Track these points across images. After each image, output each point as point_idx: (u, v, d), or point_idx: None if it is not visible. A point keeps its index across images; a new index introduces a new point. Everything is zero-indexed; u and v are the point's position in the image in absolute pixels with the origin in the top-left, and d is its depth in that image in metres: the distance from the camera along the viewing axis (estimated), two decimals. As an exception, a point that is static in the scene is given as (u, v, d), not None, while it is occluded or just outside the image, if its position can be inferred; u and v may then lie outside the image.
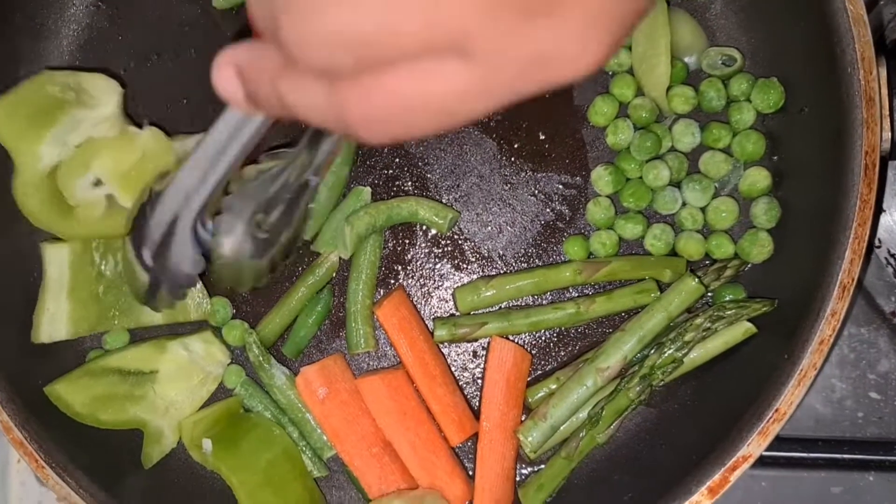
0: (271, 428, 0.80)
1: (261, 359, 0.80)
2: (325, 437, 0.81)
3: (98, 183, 0.80)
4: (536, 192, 0.82)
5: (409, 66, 0.37)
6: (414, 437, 0.79)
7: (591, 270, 0.79)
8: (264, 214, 0.66)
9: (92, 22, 0.84)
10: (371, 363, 0.83)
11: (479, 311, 0.81)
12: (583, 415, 0.78)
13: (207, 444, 0.78)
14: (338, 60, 0.38)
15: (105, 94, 0.79)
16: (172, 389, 0.80)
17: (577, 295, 0.81)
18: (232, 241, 0.66)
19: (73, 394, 0.78)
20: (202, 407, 0.81)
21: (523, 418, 0.80)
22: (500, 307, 0.82)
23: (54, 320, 0.79)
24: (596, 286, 0.81)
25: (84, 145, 0.79)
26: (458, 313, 0.82)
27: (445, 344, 0.82)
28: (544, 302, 0.81)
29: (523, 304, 0.82)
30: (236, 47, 0.45)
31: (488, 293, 0.80)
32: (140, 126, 0.80)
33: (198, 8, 0.84)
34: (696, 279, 0.77)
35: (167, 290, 0.70)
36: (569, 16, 0.36)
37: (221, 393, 0.82)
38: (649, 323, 0.77)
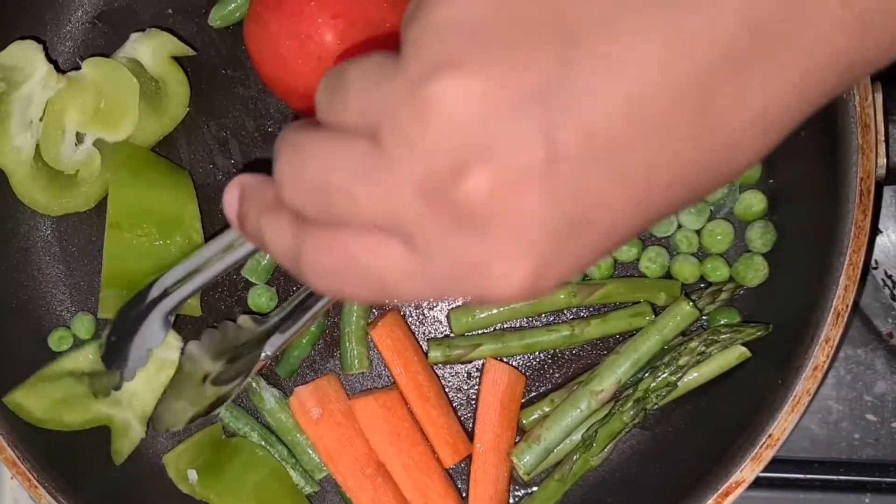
0: (255, 450, 0.80)
1: (251, 381, 0.80)
2: (316, 458, 0.80)
3: (79, 139, 0.80)
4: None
5: (363, 232, 0.40)
6: (407, 458, 0.79)
7: (586, 293, 0.79)
8: (223, 364, 0.73)
9: (88, 39, 0.83)
10: (365, 384, 0.82)
11: (474, 333, 0.81)
12: (576, 437, 0.78)
13: (192, 474, 0.78)
14: (307, 207, 0.41)
15: (29, 58, 0.79)
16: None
17: (571, 317, 0.81)
18: (196, 357, 0.73)
19: (31, 401, 0.77)
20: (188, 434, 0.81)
21: (517, 440, 0.80)
22: (495, 329, 0.81)
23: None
24: (591, 308, 0.81)
25: (45, 113, 0.78)
26: (452, 335, 0.82)
27: (440, 365, 0.82)
28: (539, 324, 0.81)
29: (518, 325, 0.82)
30: (249, 175, 0.49)
31: (482, 315, 0.80)
32: (78, 67, 0.80)
33: (195, 26, 0.83)
34: (691, 303, 0.77)
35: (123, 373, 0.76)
36: (496, 236, 0.37)
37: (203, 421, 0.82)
38: (644, 346, 0.77)
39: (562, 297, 0.79)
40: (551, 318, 0.81)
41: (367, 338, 0.81)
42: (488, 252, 0.38)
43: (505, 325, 0.81)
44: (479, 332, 0.81)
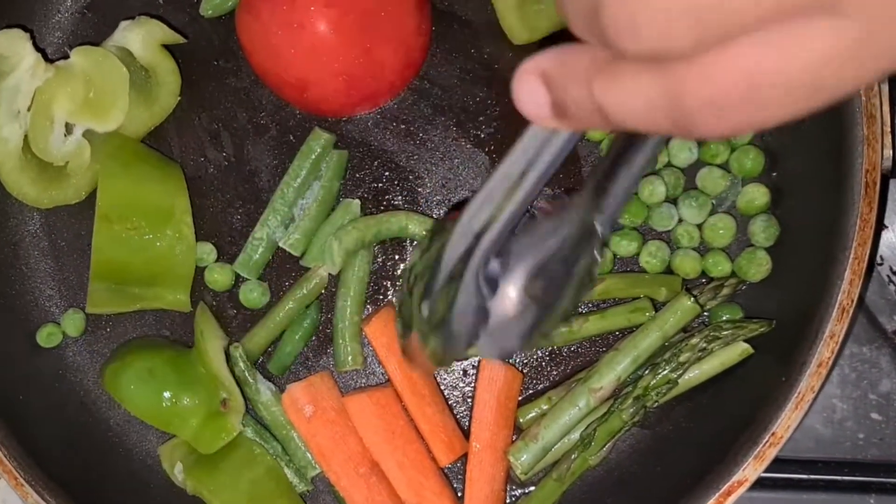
0: (252, 447, 0.78)
1: (246, 373, 0.78)
2: (309, 456, 0.79)
3: (69, 129, 0.79)
4: (529, 207, 0.80)
5: (765, 34, 0.31)
6: (402, 456, 0.77)
7: (585, 288, 0.77)
8: (539, 277, 0.56)
9: (77, 30, 0.82)
10: (359, 381, 0.81)
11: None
12: (575, 436, 0.77)
13: (179, 468, 0.77)
14: (675, 37, 0.32)
15: (16, 47, 0.77)
16: None
17: (570, 313, 0.80)
18: (512, 297, 0.55)
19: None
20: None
21: (514, 438, 0.79)
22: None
23: None
24: (589, 304, 0.80)
25: (33, 103, 0.77)
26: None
27: (435, 362, 0.80)
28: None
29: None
30: (541, 55, 0.39)
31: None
32: (67, 56, 0.78)
33: (186, 16, 0.82)
34: (692, 298, 0.75)
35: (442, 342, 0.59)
36: None
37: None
38: (644, 343, 0.75)
39: (559, 292, 0.77)
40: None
41: (361, 334, 0.80)
42: None
43: (502, 321, 0.80)
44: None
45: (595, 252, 0.56)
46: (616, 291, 0.78)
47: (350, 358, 0.79)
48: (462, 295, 0.55)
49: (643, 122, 0.35)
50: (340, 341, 0.79)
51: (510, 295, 0.56)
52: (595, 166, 0.54)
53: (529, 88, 0.39)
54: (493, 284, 0.56)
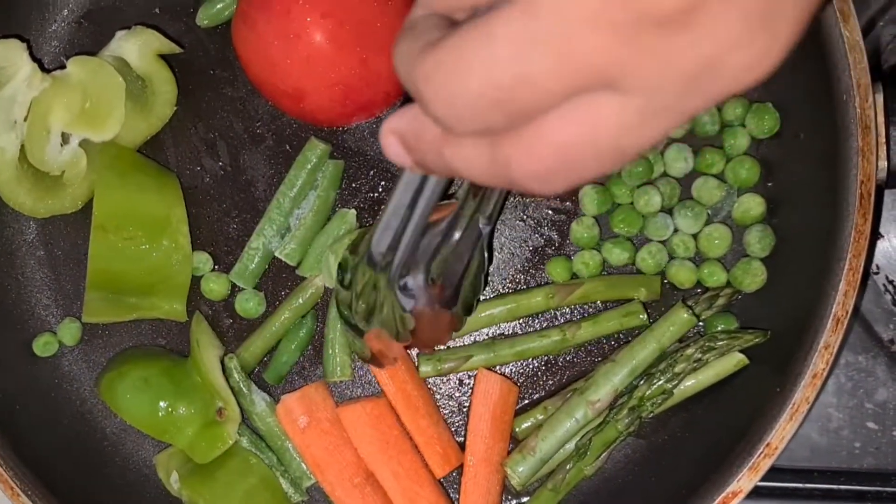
0: (248, 457, 0.78)
1: (241, 384, 0.78)
2: (304, 466, 0.79)
3: (65, 139, 0.79)
4: (525, 217, 0.80)
5: (563, 111, 0.36)
6: (397, 466, 0.77)
7: (564, 293, 0.77)
8: (439, 268, 0.66)
9: (73, 39, 0.82)
10: (354, 391, 0.81)
11: (462, 344, 0.80)
12: (570, 446, 0.77)
13: (174, 477, 0.77)
14: (489, 120, 0.37)
15: (12, 57, 0.77)
16: None
17: (563, 321, 0.80)
18: (416, 296, 0.66)
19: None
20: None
21: (511, 448, 0.79)
22: (486, 336, 0.80)
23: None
24: (574, 309, 0.80)
25: (30, 113, 0.77)
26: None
27: (431, 373, 0.80)
28: (531, 330, 0.80)
29: (510, 332, 0.80)
30: (397, 116, 0.44)
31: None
32: (63, 66, 0.78)
33: (182, 26, 0.82)
34: (689, 311, 0.75)
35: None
36: (711, 20, 0.33)
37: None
38: (641, 354, 0.75)
39: (539, 299, 0.78)
40: (545, 324, 0.80)
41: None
42: (718, 40, 0.34)
43: (497, 334, 0.80)
44: (469, 341, 0.80)
45: (484, 249, 0.68)
46: (595, 295, 0.78)
47: (339, 369, 0.79)
48: (386, 304, 0.67)
49: (487, 181, 0.40)
50: (330, 352, 0.79)
51: (416, 289, 0.66)
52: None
53: (392, 144, 0.45)
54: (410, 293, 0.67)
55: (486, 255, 0.69)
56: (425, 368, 0.78)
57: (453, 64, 0.36)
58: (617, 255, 0.78)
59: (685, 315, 0.75)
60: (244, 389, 0.78)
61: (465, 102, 0.36)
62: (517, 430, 0.78)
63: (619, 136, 0.36)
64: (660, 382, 0.74)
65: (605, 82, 0.35)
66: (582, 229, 0.79)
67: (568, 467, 0.76)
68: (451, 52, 0.36)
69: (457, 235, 0.66)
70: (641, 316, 0.77)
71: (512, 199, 0.80)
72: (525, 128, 0.37)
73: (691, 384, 0.76)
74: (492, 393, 0.77)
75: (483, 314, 0.78)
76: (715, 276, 0.78)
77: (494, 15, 0.35)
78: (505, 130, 0.37)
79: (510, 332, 0.80)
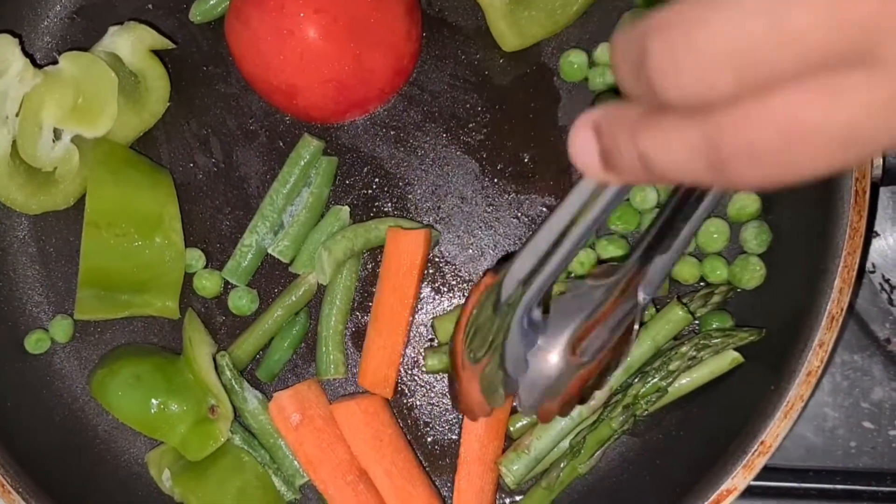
0: (240, 455, 0.78)
1: (233, 382, 0.78)
2: (297, 464, 0.78)
3: (57, 135, 0.78)
4: (520, 214, 0.80)
5: (805, 83, 0.32)
6: (390, 464, 0.77)
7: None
8: (580, 341, 0.61)
9: (66, 35, 0.82)
10: (347, 388, 0.81)
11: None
12: (564, 444, 0.76)
13: (166, 475, 0.76)
14: (716, 83, 0.33)
15: (5, 52, 0.77)
16: None
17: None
18: (552, 356, 0.62)
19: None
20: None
21: (505, 446, 0.78)
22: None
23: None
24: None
25: (22, 108, 0.77)
26: (437, 342, 0.80)
27: (425, 371, 0.80)
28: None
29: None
30: (594, 109, 0.41)
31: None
32: (56, 61, 0.78)
33: (175, 21, 0.82)
34: (684, 308, 0.75)
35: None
36: None
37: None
38: (636, 352, 0.75)
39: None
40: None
41: (345, 343, 0.79)
42: None
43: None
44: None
45: (635, 322, 0.62)
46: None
47: (332, 367, 0.79)
48: (508, 341, 0.60)
49: (682, 170, 0.36)
50: (323, 349, 0.79)
51: (550, 354, 0.62)
52: (639, 238, 0.58)
53: (582, 137, 0.41)
54: (535, 332, 0.62)
55: (636, 329, 0.62)
56: (432, 362, 0.78)
57: (695, 12, 0.32)
58: (611, 251, 0.78)
59: (680, 313, 0.75)
60: (237, 387, 0.78)
61: (698, 59, 0.32)
62: (511, 428, 0.78)
63: (858, 122, 0.32)
64: (654, 380, 0.74)
65: (863, 56, 0.31)
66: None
67: (562, 466, 0.76)
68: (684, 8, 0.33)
69: (609, 301, 0.60)
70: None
71: (507, 196, 0.80)
72: (750, 100, 0.33)
73: (686, 382, 0.76)
74: (485, 391, 0.77)
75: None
76: (717, 270, 0.77)
77: None
78: (724, 102, 0.33)
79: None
